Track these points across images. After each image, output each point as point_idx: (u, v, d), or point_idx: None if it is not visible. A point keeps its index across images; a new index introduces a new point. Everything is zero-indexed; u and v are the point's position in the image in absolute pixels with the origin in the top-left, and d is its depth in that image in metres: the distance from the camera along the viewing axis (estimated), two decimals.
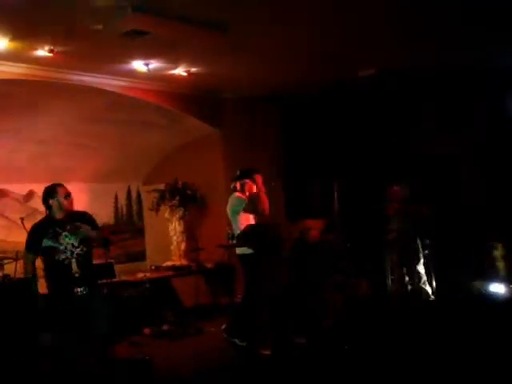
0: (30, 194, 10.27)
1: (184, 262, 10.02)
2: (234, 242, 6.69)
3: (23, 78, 7.82)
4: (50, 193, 5.23)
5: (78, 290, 5.04)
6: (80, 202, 10.68)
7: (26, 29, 6.52)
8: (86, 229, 5.13)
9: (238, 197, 6.99)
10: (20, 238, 8.30)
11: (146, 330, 7.80)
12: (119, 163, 10.56)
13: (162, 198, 10.11)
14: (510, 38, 7.86)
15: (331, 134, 10.35)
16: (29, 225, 8.06)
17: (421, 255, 8.17)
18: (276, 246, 6.19)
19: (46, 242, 5.07)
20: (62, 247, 5.04)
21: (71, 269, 5.03)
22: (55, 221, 5.16)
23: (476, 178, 9.59)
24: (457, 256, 8.66)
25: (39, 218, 9.89)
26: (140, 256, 10.99)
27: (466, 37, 7.83)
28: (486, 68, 9.07)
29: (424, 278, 8.13)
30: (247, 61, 8.41)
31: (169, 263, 10.00)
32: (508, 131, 9.30)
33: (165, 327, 7.93)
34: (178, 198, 10.06)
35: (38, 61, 7.54)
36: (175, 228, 10.25)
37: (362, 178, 9.64)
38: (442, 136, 9.71)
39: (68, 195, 5.20)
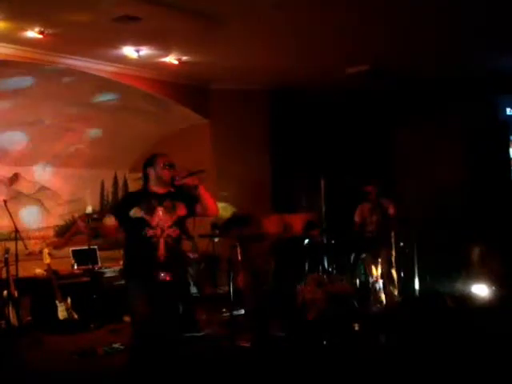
0: (15, 177, 10.20)
1: None
2: (217, 231, 6.65)
3: (12, 59, 7.74)
4: (148, 161, 4.65)
5: (161, 274, 4.43)
6: (66, 188, 10.72)
7: (16, 9, 6.44)
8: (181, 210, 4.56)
9: None
10: (2, 221, 8.39)
11: (127, 318, 7.73)
12: (107, 150, 10.48)
13: None
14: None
15: (320, 130, 10.36)
16: (12, 208, 8.15)
17: (391, 256, 8.13)
18: (257, 237, 6.17)
19: (136, 212, 4.45)
20: (153, 223, 4.43)
21: (158, 249, 4.42)
22: (152, 193, 4.57)
23: (458, 179, 9.66)
24: (438, 257, 8.67)
25: (24, 201, 10.17)
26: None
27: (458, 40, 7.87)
28: (477, 71, 9.12)
29: (393, 278, 8.10)
30: (239, 52, 8.42)
31: None
32: (494, 135, 9.38)
33: None
34: None
35: (28, 42, 7.46)
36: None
37: (347, 176, 9.62)
38: (427, 137, 9.76)
39: (170, 165, 4.55)
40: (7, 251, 7.16)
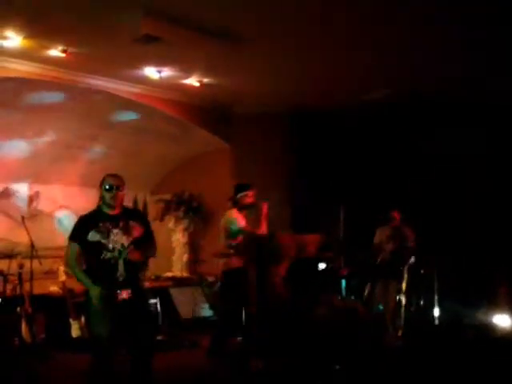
0: (35, 195, 10.27)
1: (185, 273, 9.95)
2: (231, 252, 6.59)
3: (35, 77, 7.81)
4: (101, 182, 4.70)
5: (121, 293, 4.54)
6: (87, 207, 10.73)
7: (40, 27, 6.51)
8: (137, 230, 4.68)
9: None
10: (20, 238, 8.39)
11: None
12: (127, 171, 10.45)
13: (168, 207, 10.07)
14: None
15: (342, 155, 10.28)
16: (30, 225, 8.17)
17: (402, 283, 7.98)
18: (274, 258, 6.09)
19: (94, 236, 4.54)
20: (110, 245, 4.53)
21: (117, 270, 4.53)
22: (106, 214, 4.64)
23: (482, 212, 9.53)
24: (460, 285, 8.51)
25: (43, 219, 10.22)
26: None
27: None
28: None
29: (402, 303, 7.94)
30: (260, 75, 8.42)
31: (169, 274, 9.92)
32: None
33: (159, 337, 7.79)
34: (183, 208, 10.02)
35: (52, 61, 7.52)
36: (178, 239, 10.20)
37: (368, 204, 9.52)
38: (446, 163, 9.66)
39: (111, 187, 4.60)
40: (21, 267, 7.15)
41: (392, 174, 9.96)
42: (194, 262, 10.00)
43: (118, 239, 4.57)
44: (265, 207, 6.77)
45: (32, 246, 7.54)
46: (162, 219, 10.06)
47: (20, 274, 7.16)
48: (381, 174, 9.99)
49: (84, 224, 4.65)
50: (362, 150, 10.25)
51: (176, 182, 10.63)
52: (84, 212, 4.78)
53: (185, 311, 8.74)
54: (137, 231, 4.70)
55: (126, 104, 9.02)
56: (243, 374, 6.05)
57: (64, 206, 10.40)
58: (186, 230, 10.16)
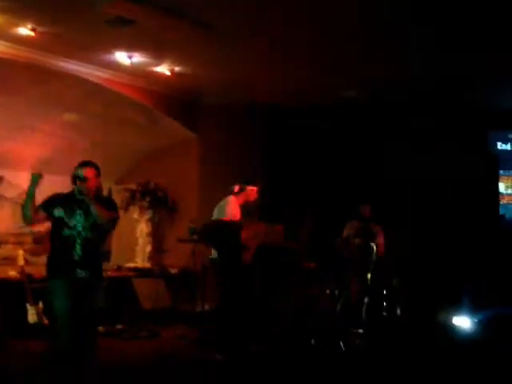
0: None
1: (147, 264, 9.81)
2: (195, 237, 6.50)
3: (5, 56, 7.61)
4: (74, 171, 4.92)
5: (79, 271, 4.76)
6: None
7: (9, 3, 6.34)
8: (100, 213, 4.81)
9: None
10: None
11: (100, 328, 7.51)
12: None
13: (133, 197, 9.92)
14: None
15: (309, 152, 10.26)
16: None
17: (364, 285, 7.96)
18: (235, 246, 6.02)
19: (59, 212, 4.78)
20: (71, 224, 4.76)
21: (74, 249, 4.76)
22: (74, 197, 4.83)
23: (446, 209, 9.60)
24: (422, 286, 8.55)
25: (5, 204, 9.99)
26: (105, 256, 10.69)
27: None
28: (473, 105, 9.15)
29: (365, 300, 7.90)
30: (233, 65, 8.33)
31: (131, 264, 9.76)
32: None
33: (119, 326, 7.68)
34: (148, 199, 9.88)
35: (21, 40, 7.34)
36: (142, 229, 10.06)
37: (335, 200, 9.51)
38: (416, 162, 9.71)
39: (83, 177, 4.79)
40: None
41: (360, 173, 9.97)
42: (157, 252, 9.86)
43: (80, 219, 4.81)
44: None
45: None
46: (126, 209, 9.89)
47: None
48: (348, 171, 10.00)
49: (54, 199, 4.90)
50: (330, 148, 10.24)
51: (142, 172, 10.48)
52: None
53: (146, 302, 8.60)
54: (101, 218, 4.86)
55: (95, 90, 8.85)
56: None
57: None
58: (150, 220, 10.02)
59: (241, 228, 6.12)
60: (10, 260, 8.48)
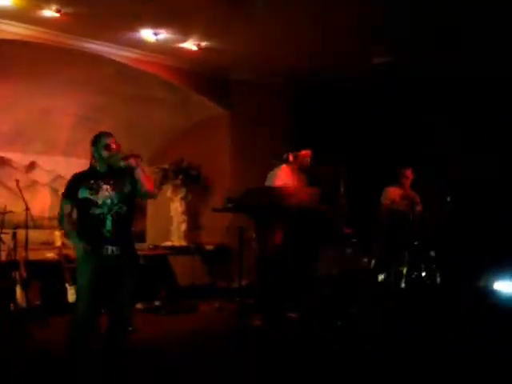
0: (31, 165, 10.14)
1: (183, 242, 9.83)
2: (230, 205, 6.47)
3: (28, 39, 7.66)
4: (94, 140, 4.68)
5: (109, 248, 4.52)
6: None
7: None
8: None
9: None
10: (17, 207, 8.24)
11: (138, 305, 7.56)
12: (125, 140, 10.33)
13: (166, 176, 9.91)
14: None
15: (343, 124, 10.10)
16: (26, 195, 8.01)
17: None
18: (274, 213, 5.99)
19: (84, 193, 4.51)
20: (99, 201, 4.50)
21: (104, 226, 4.51)
22: (98, 172, 4.62)
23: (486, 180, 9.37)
24: (463, 252, 8.40)
25: (39, 190, 10.08)
26: (139, 237, 10.75)
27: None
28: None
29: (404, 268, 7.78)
30: (261, 38, 8.20)
31: (168, 243, 9.80)
32: None
33: (157, 303, 7.72)
34: (181, 177, 9.87)
35: (46, 22, 7.39)
36: (176, 208, 10.07)
37: (369, 167, 9.38)
38: (452, 133, 9.49)
39: (107, 146, 4.58)
40: (15, 227, 7.06)
41: (393, 141, 9.80)
42: (192, 230, 9.88)
43: (107, 195, 4.53)
44: None
45: (26, 208, 7.40)
46: (159, 188, 9.91)
47: (14, 234, 7.07)
48: (381, 139, 9.82)
49: (76, 181, 4.62)
50: (363, 117, 10.06)
51: (174, 150, 10.47)
52: None
53: (183, 279, 8.63)
54: (126, 188, 4.61)
55: (123, 70, 8.85)
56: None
57: (60, 176, 10.26)
58: (183, 198, 10.02)
59: (276, 193, 6.05)
60: (47, 244, 8.56)
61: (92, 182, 4.54)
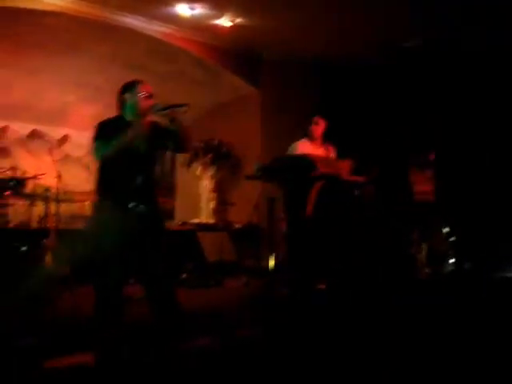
0: (64, 139, 10.23)
1: (211, 220, 9.86)
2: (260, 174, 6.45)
3: (65, 11, 7.70)
4: (127, 87, 4.36)
5: (135, 204, 4.17)
6: None
7: None
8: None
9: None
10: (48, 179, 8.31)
11: None
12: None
13: (195, 154, 9.94)
14: None
15: (371, 104, 10.01)
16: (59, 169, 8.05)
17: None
18: (305, 183, 5.95)
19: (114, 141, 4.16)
20: (127, 151, 4.12)
21: (134, 180, 4.18)
22: (126, 121, 4.30)
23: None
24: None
25: (71, 164, 10.17)
26: (168, 214, 10.80)
27: None
28: None
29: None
30: (295, 17, 8.17)
31: (196, 220, 9.84)
32: None
33: (183, 276, 7.75)
34: (211, 155, 9.89)
35: None
36: (206, 185, 10.10)
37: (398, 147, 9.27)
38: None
39: (150, 95, 4.34)
40: (47, 190, 7.12)
41: (420, 123, 9.67)
42: (221, 207, 9.90)
43: (136, 145, 4.21)
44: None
45: (59, 176, 7.45)
46: (189, 166, 9.96)
47: (47, 203, 7.12)
48: (408, 121, 9.69)
49: (104, 128, 4.28)
50: (388, 101, 9.96)
51: (205, 128, 10.46)
52: None
53: (211, 255, 8.65)
54: (157, 141, 4.36)
55: (156, 46, 8.87)
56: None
57: None
58: (213, 176, 10.05)
59: (309, 162, 6.01)
60: (77, 218, 8.62)
61: (120, 130, 4.19)
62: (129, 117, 4.32)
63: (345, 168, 6.21)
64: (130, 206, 4.16)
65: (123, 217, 4.12)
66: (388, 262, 6.40)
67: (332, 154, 6.72)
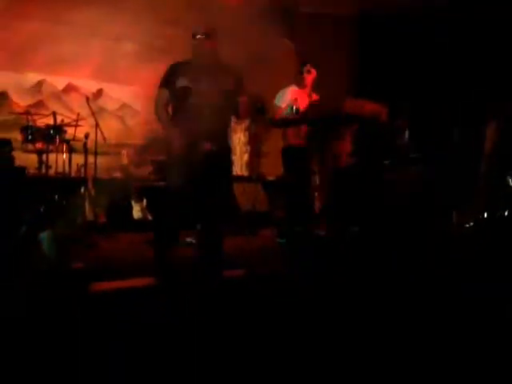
0: (99, 93, 10.32)
1: (245, 172, 9.94)
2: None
3: None
4: (192, 33, 4.61)
5: (204, 144, 4.30)
6: (148, 109, 10.77)
7: None
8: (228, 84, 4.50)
9: None
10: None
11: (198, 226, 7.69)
12: None
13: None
14: None
15: (407, 60, 9.89)
16: (92, 122, 8.12)
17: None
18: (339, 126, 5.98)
19: (182, 82, 4.34)
20: (199, 92, 4.28)
21: (201, 119, 4.26)
22: (198, 64, 4.47)
23: None
24: None
25: (106, 117, 10.27)
26: None
27: None
28: None
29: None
30: None
31: None
32: None
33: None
34: None
35: None
36: (240, 138, 10.14)
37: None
38: None
39: (207, 36, 4.56)
40: (86, 136, 7.24)
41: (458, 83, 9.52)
42: (255, 158, 9.95)
43: (207, 86, 4.36)
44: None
45: (97, 125, 7.54)
46: None
47: (85, 145, 7.25)
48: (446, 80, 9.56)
49: (174, 70, 4.47)
50: (426, 54, 9.81)
51: None
52: (146, 113, 4.67)
53: (245, 205, 8.72)
54: (229, 85, 4.56)
55: None
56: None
57: (127, 104, 10.44)
58: (247, 129, 10.08)
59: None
60: (112, 171, 8.73)
61: (193, 71, 4.38)
62: (198, 59, 4.51)
63: (383, 112, 6.18)
64: (201, 145, 4.33)
65: (190, 152, 4.28)
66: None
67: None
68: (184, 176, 4.28)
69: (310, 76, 6.66)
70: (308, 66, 6.67)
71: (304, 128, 6.38)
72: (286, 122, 6.54)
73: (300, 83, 6.68)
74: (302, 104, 6.44)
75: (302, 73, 6.65)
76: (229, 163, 4.67)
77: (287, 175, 6.68)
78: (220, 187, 4.47)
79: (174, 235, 4.59)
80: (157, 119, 4.50)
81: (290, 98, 6.50)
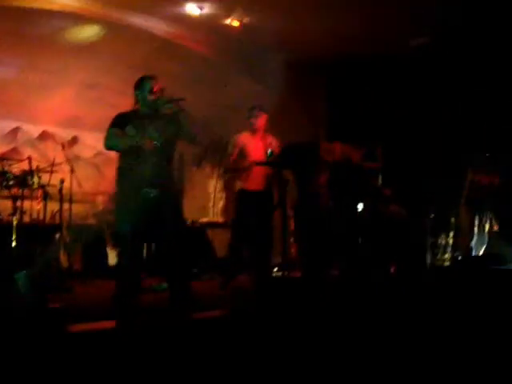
0: (74, 140, 10.32)
1: (221, 219, 9.95)
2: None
3: (75, 10, 7.83)
4: (137, 83, 4.82)
5: (148, 190, 4.48)
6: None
7: None
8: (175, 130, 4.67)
9: None
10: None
11: None
12: None
13: (205, 154, 10.03)
14: None
15: (378, 104, 10.05)
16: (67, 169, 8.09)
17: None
18: (314, 168, 6.03)
19: (130, 130, 4.55)
20: (143, 140, 4.46)
21: (147, 166, 4.47)
22: (141, 114, 4.68)
23: None
24: None
25: (81, 165, 10.24)
26: None
27: None
28: None
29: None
30: (300, 16, 8.27)
31: (205, 219, 9.91)
32: None
33: (194, 270, 7.82)
34: (219, 156, 9.99)
35: None
36: (215, 185, 10.18)
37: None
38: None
39: (152, 90, 4.70)
40: (62, 182, 7.23)
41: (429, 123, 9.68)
42: (230, 206, 9.98)
43: (151, 135, 4.55)
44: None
45: (72, 171, 7.54)
46: (198, 166, 10.06)
47: (61, 190, 7.22)
48: (418, 120, 9.70)
49: (122, 118, 4.69)
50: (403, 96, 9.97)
51: (213, 128, 10.53)
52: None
53: (220, 251, 8.72)
54: (170, 132, 4.72)
55: (165, 46, 8.95)
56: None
57: (102, 152, 10.43)
58: (222, 176, 10.14)
59: (318, 148, 6.09)
60: (86, 219, 8.69)
61: (137, 121, 4.59)
62: (142, 111, 4.71)
63: (356, 154, 6.27)
64: (144, 192, 4.49)
65: (138, 201, 4.45)
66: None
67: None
68: (130, 222, 4.46)
69: (259, 120, 6.66)
70: (255, 110, 6.68)
71: (258, 173, 6.38)
72: (235, 169, 6.58)
73: (250, 128, 6.68)
74: (254, 149, 6.48)
75: (249, 117, 6.67)
76: (175, 207, 4.74)
77: (236, 219, 6.67)
78: (168, 232, 4.59)
79: (132, 281, 4.61)
80: (112, 144, 4.71)
81: (238, 145, 6.53)
